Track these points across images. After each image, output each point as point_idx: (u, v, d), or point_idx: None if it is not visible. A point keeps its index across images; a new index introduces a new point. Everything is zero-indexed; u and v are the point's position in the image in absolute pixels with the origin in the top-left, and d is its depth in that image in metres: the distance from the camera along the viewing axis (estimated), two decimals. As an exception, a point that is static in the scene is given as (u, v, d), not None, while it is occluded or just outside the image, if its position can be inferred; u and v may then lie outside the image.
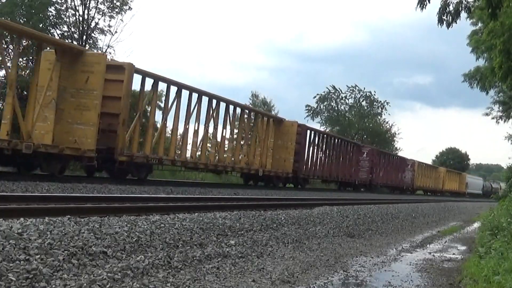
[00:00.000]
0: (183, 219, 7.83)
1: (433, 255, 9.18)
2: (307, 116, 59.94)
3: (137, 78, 17.90)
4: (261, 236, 8.28)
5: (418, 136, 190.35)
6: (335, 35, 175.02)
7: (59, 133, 15.20)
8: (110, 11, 30.00)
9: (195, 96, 20.55)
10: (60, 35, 28.37)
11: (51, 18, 28.88)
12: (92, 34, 29.99)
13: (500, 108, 34.23)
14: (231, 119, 23.37)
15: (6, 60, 16.75)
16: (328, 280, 6.04)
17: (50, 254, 4.72)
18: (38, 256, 4.61)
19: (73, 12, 29.19)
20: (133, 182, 16.78)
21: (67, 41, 25.04)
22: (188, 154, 21.40)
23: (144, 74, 18.07)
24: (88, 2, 29.21)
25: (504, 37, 13.05)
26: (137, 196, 12.03)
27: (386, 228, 13.01)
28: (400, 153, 58.67)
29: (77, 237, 5.35)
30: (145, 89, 18.94)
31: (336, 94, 61.18)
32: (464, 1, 9.80)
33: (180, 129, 21.20)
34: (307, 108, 60.62)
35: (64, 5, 29.09)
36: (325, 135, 34.18)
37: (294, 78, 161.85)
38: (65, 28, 29.35)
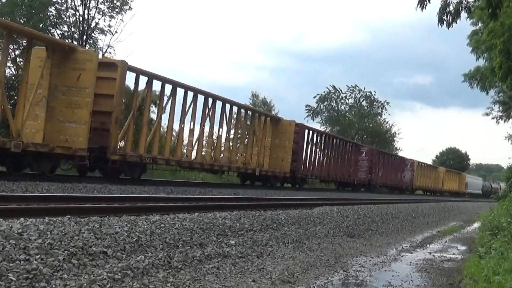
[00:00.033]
0: (183, 219, 7.83)
1: (433, 255, 9.18)
2: (307, 116, 60.09)
3: (131, 76, 17.80)
4: (261, 236, 8.28)
5: (418, 136, 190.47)
6: (335, 35, 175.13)
7: (50, 131, 14.96)
8: (110, 11, 30.09)
9: (190, 94, 20.32)
10: (60, 35, 28.41)
11: (51, 18, 28.94)
12: (92, 34, 30.05)
13: (500, 108, 34.27)
14: (227, 118, 23.16)
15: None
16: (328, 280, 6.04)
17: (50, 254, 4.72)
18: (38, 256, 4.61)
19: (73, 12, 29.30)
20: (133, 182, 16.77)
21: (67, 41, 25.04)
22: (184, 154, 21.18)
23: (138, 72, 17.80)
24: (88, 2, 29.28)
25: (504, 37, 13.06)
26: (137, 196, 12.03)
27: (386, 228, 13.01)
28: (400, 153, 58.76)
29: (77, 237, 5.35)
30: (140, 87, 18.74)
31: (336, 94, 61.29)
32: (464, 1, 9.81)
33: (175, 128, 21.11)
34: (307, 108, 60.76)
35: (64, 5, 29.21)
36: (323, 135, 33.96)
37: (294, 78, 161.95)
38: (65, 28, 29.47)
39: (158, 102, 20.03)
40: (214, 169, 22.78)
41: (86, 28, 29.45)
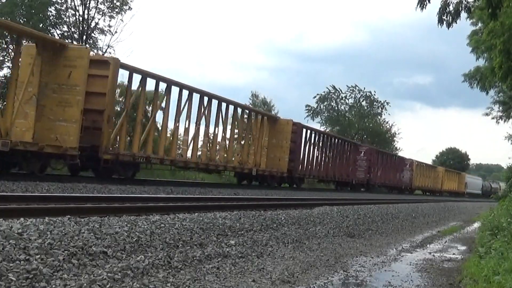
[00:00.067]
0: (183, 219, 7.83)
1: (433, 255, 9.18)
2: (307, 116, 60.06)
3: (124, 75, 17.58)
4: (261, 236, 8.28)
5: (418, 136, 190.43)
6: (335, 35, 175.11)
7: (40, 130, 14.66)
8: (110, 11, 30.07)
9: (185, 93, 20.02)
10: (60, 35, 28.40)
11: (51, 18, 28.94)
12: (92, 34, 30.04)
13: (500, 108, 34.26)
14: (223, 117, 22.81)
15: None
16: (328, 280, 6.04)
17: (50, 254, 4.72)
18: (38, 256, 4.61)
19: (73, 12, 29.29)
20: (133, 182, 16.76)
21: (67, 41, 25.03)
22: (179, 153, 20.89)
23: (132, 70, 17.50)
24: (88, 2, 29.27)
25: (504, 37, 13.06)
26: (137, 196, 12.03)
27: (386, 228, 13.01)
28: (400, 153, 58.73)
29: (77, 237, 5.35)
30: (134, 86, 18.32)
31: (336, 94, 61.27)
32: (464, 1, 9.81)
33: (170, 127, 20.71)
34: (307, 108, 60.75)
35: (64, 5, 29.20)
36: (321, 134, 33.63)
37: (294, 78, 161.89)
38: (65, 28, 29.45)
39: (152, 100, 19.54)
40: (209, 169, 22.46)
41: (86, 28, 29.44)
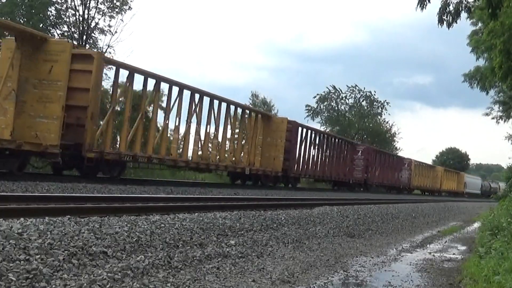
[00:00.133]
0: (183, 219, 7.83)
1: (433, 255, 9.18)
2: (307, 116, 60.07)
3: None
4: (261, 236, 8.28)
5: (418, 136, 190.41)
6: (335, 35, 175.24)
7: (20, 127, 14.04)
8: (110, 11, 30.07)
9: (175, 89, 19.47)
10: (60, 35, 28.41)
11: (51, 18, 28.95)
12: (92, 34, 30.05)
13: (500, 108, 34.29)
14: (215, 114, 22.04)
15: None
16: (328, 280, 6.04)
17: (50, 254, 4.72)
18: (38, 256, 4.61)
19: (73, 12, 29.29)
20: (134, 182, 16.75)
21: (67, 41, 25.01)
22: (168, 151, 20.19)
23: (118, 65, 17.03)
24: (88, 2, 29.27)
25: (504, 37, 13.06)
26: (137, 196, 12.02)
27: (386, 228, 13.01)
28: (400, 153, 58.72)
29: (77, 237, 5.35)
30: (126, 83, 17.59)
31: (336, 94, 61.27)
32: (464, 1, 9.81)
33: (160, 125, 20.36)
34: (307, 108, 60.75)
35: (64, 5, 29.20)
36: (318, 133, 32.91)
37: (294, 78, 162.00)
38: (65, 28, 29.46)
39: (141, 97, 18.83)
40: (200, 168, 21.84)
41: (86, 28, 29.44)
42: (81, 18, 29.26)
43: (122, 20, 30.29)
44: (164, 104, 19.51)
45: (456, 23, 9.83)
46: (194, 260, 6.03)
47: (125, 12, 30.26)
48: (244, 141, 25.45)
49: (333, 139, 35.44)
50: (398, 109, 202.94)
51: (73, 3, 29.06)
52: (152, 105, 19.11)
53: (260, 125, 26.43)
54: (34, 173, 15.28)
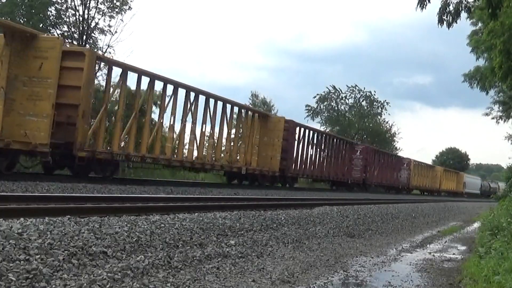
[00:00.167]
0: (183, 219, 7.83)
1: (433, 255, 9.18)
2: (307, 116, 60.09)
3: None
4: (261, 236, 8.28)
5: (418, 136, 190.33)
6: (335, 35, 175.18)
7: (9, 125, 13.74)
8: (110, 11, 30.08)
9: (170, 88, 19.24)
10: (60, 35, 28.40)
11: (51, 18, 28.96)
12: (92, 34, 30.05)
13: (500, 108, 34.29)
14: (211, 113, 21.74)
15: None
16: (328, 280, 6.04)
17: (50, 254, 4.72)
18: (38, 256, 4.61)
19: (73, 12, 29.30)
20: (134, 182, 16.75)
21: (67, 41, 25.04)
22: (162, 151, 19.94)
23: (111, 63, 16.88)
24: (88, 2, 29.27)
25: (504, 37, 13.06)
26: (137, 196, 12.03)
27: (386, 228, 13.01)
28: (400, 153, 58.71)
29: (77, 237, 5.35)
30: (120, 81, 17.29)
31: (336, 94, 61.30)
32: (464, 1, 9.81)
33: (154, 124, 19.98)
34: (307, 108, 60.77)
35: (64, 5, 29.22)
36: (315, 132, 32.62)
37: (294, 78, 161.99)
38: (65, 28, 29.46)
39: (135, 95, 18.57)
40: (195, 167, 21.51)
41: (86, 28, 29.45)
42: (81, 18, 29.28)
43: (122, 20, 30.34)
44: (158, 103, 19.21)
45: (456, 23, 9.84)
46: (194, 260, 6.03)
47: (125, 12, 30.31)
48: (240, 140, 25.18)
49: (331, 138, 35.24)
50: (398, 109, 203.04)
51: (73, 3, 29.11)
52: (146, 103, 18.89)
53: (257, 124, 26.16)
54: (34, 173, 15.29)
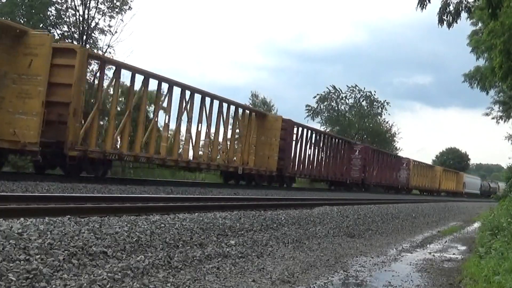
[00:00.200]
0: (183, 219, 7.83)
1: (433, 255, 9.18)
2: (307, 116, 60.11)
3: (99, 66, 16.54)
4: (261, 236, 8.28)
5: (418, 136, 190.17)
6: (335, 35, 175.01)
7: None
8: (110, 11, 30.08)
9: (165, 86, 19.00)
10: (60, 35, 28.42)
11: (51, 18, 28.96)
12: (92, 34, 30.05)
13: (500, 108, 34.29)
14: (207, 112, 21.49)
15: None
16: (328, 280, 6.04)
17: (50, 254, 4.72)
18: (38, 256, 4.61)
19: (73, 12, 29.30)
20: (133, 182, 16.75)
21: (67, 41, 25.03)
22: (161, 150, 19.56)
23: (104, 61, 16.69)
24: (88, 2, 29.27)
25: (504, 37, 13.07)
26: (137, 196, 12.03)
27: (386, 228, 13.01)
28: (400, 153, 58.73)
29: (77, 237, 5.35)
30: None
31: (336, 94, 61.35)
32: (464, 1, 9.81)
33: (148, 123, 19.54)
34: (307, 108, 60.81)
35: (64, 5, 29.21)
36: (314, 132, 32.30)
37: (294, 78, 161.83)
38: (65, 28, 29.46)
39: (128, 94, 18.28)
40: (191, 167, 21.30)
41: (86, 28, 29.45)
42: (81, 18, 29.28)
43: (122, 20, 30.34)
44: (153, 101, 19.02)
45: (456, 23, 9.84)
46: (194, 260, 6.03)
47: (125, 12, 30.31)
48: (237, 140, 24.99)
49: (330, 138, 35.06)
50: (398, 109, 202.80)
51: (73, 3, 29.11)
52: (140, 102, 18.64)
53: (254, 124, 25.90)
54: (33, 173, 15.29)
